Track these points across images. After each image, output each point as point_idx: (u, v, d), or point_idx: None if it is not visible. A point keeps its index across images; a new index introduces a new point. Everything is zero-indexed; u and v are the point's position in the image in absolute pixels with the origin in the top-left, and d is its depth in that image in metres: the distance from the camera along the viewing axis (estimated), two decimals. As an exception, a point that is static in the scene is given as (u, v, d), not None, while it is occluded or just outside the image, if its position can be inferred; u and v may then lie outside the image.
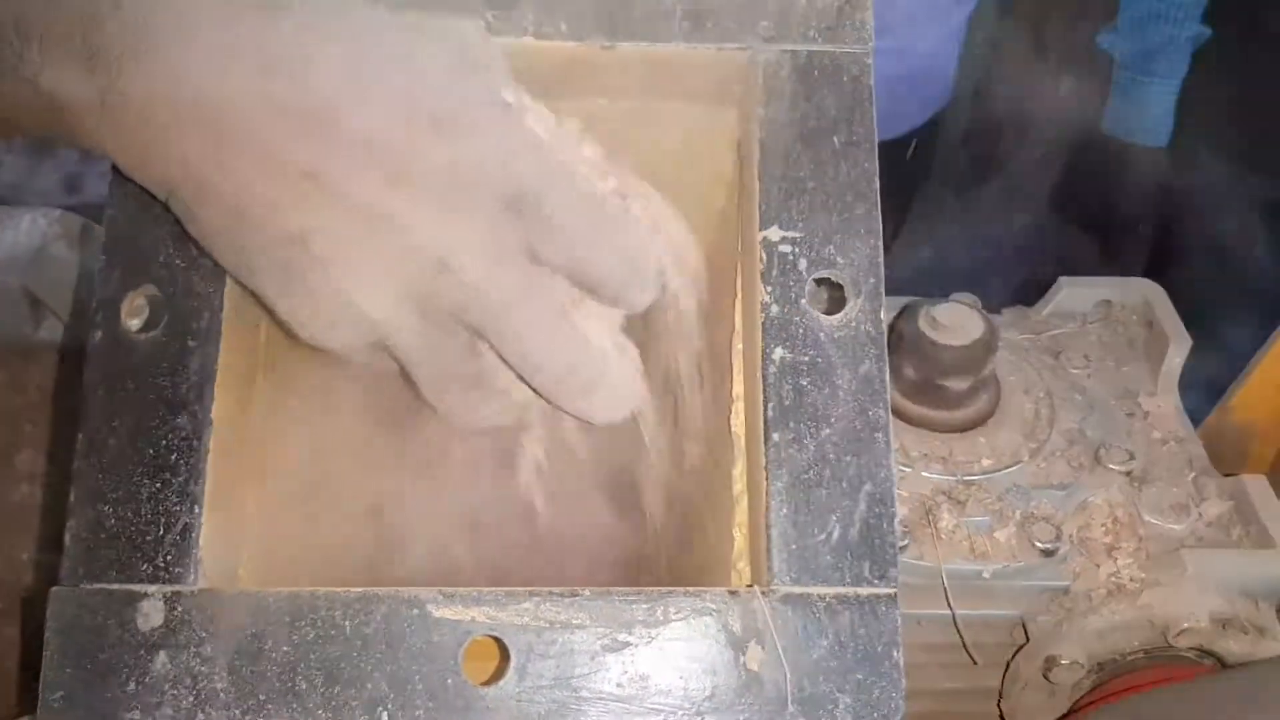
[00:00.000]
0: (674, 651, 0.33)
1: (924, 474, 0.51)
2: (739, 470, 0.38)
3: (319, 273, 0.32)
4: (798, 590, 0.33)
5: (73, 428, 0.34)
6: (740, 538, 0.38)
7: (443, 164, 0.32)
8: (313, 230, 0.31)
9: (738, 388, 0.39)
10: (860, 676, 0.33)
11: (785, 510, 0.34)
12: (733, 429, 0.39)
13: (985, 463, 0.52)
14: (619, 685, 0.32)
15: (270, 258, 0.32)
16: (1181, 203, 1.08)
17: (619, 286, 0.35)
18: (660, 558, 0.41)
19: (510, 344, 0.34)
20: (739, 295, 0.39)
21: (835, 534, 0.34)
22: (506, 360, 0.34)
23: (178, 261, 0.35)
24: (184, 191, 0.32)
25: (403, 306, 0.33)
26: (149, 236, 0.35)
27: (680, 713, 0.32)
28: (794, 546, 0.34)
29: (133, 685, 0.32)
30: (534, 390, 0.35)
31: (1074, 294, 0.65)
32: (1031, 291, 0.67)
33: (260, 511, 0.37)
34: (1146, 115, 1.08)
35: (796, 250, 0.36)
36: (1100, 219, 1.12)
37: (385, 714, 0.32)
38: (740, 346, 0.39)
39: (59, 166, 0.58)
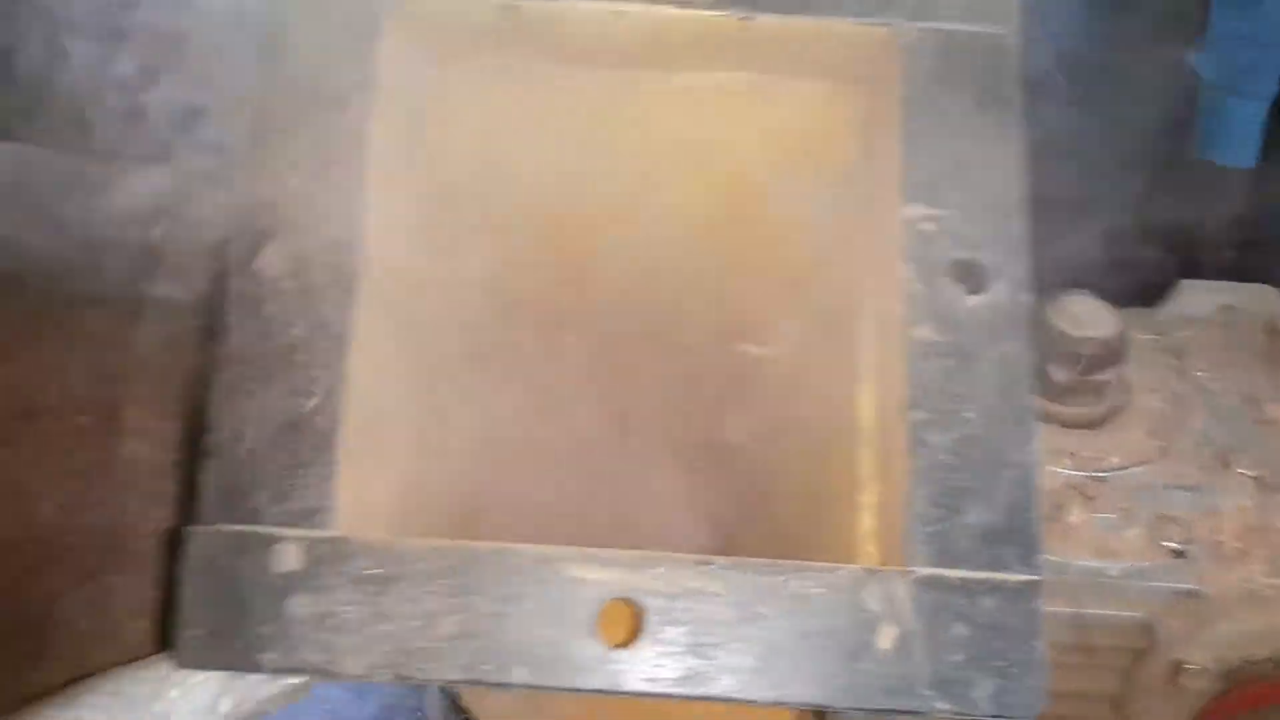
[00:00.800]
0: (808, 626, 0.32)
1: (1051, 468, 0.50)
2: (869, 451, 0.38)
3: None
4: (936, 573, 0.33)
5: (189, 383, 0.34)
6: (869, 518, 0.37)
7: None
8: None
9: (867, 366, 0.38)
10: (1001, 664, 0.32)
11: (924, 491, 0.34)
12: (860, 410, 0.38)
13: (1113, 460, 0.50)
14: (752, 656, 0.32)
15: None
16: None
17: None
18: (760, 530, 0.41)
19: None
20: (871, 275, 0.38)
21: (976, 518, 0.33)
22: None
23: (315, 213, 0.35)
24: None
25: None
26: (286, 189, 0.36)
27: (812, 686, 0.32)
28: (932, 529, 0.33)
29: (269, 627, 0.32)
30: None
31: (1194, 297, 0.63)
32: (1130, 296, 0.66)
33: (392, 460, 0.37)
34: (1234, 135, 1.05)
35: (938, 229, 0.35)
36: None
37: (517, 671, 0.32)
38: (873, 324, 0.38)
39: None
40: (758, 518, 0.41)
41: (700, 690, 0.32)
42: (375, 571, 0.32)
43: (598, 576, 0.32)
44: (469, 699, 0.40)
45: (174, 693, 0.34)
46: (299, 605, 0.32)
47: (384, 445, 0.36)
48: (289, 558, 0.33)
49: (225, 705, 0.35)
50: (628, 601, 0.33)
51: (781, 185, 0.41)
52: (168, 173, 0.51)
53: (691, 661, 0.32)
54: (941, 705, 0.32)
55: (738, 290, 0.42)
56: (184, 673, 0.34)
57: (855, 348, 0.38)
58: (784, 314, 0.41)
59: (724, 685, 0.32)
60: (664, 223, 0.41)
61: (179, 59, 0.58)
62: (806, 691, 0.32)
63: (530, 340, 0.40)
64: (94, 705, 0.34)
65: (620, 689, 0.32)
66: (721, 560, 0.33)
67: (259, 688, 0.36)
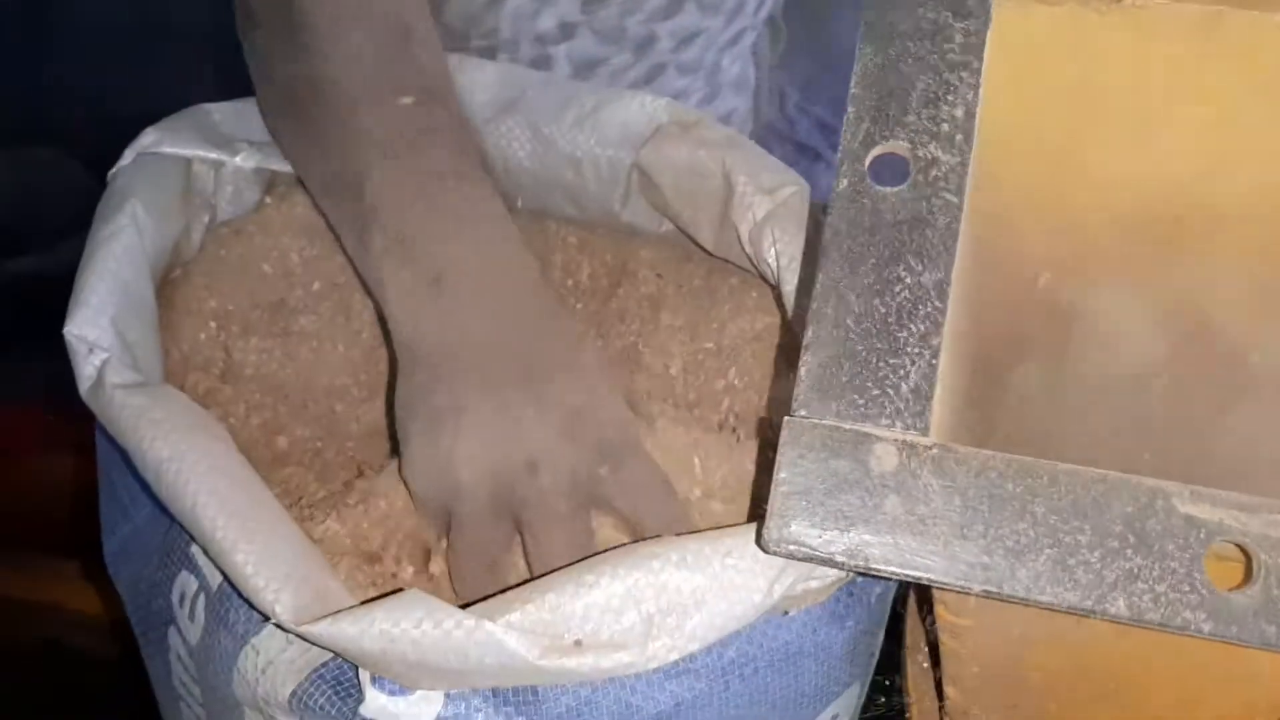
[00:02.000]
0: None
1: None
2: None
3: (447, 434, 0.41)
4: None
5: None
6: None
7: (576, 405, 0.41)
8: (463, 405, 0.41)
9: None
10: None
11: None
12: None
13: None
14: None
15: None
16: None
17: None
18: None
19: (537, 550, 0.41)
20: None
21: None
22: (528, 559, 0.42)
23: (926, 120, 0.36)
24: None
25: (482, 482, 0.41)
26: (898, 94, 0.36)
27: None
28: None
29: (861, 522, 0.32)
30: None
31: None
32: None
33: (992, 373, 0.37)
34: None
35: None
36: None
37: (1121, 601, 0.31)
38: None
39: (557, 14, 0.60)
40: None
41: None
42: (971, 481, 0.32)
43: (1209, 515, 0.32)
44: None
45: (741, 564, 0.36)
46: (893, 505, 0.32)
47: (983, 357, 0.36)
48: (886, 458, 0.33)
49: (778, 590, 0.36)
50: (1240, 546, 0.31)
51: None
52: (649, 102, 0.53)
53: None
54: None
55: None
56: (750, 548, 0.36)
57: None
58: None
59: None
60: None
61: (594, 17, 0.61)
62: None
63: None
64: (663, 560, 0.35)
65: (1218, 634, 0.31)
66: None
67: (800, 584, 0.37)
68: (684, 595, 0.36)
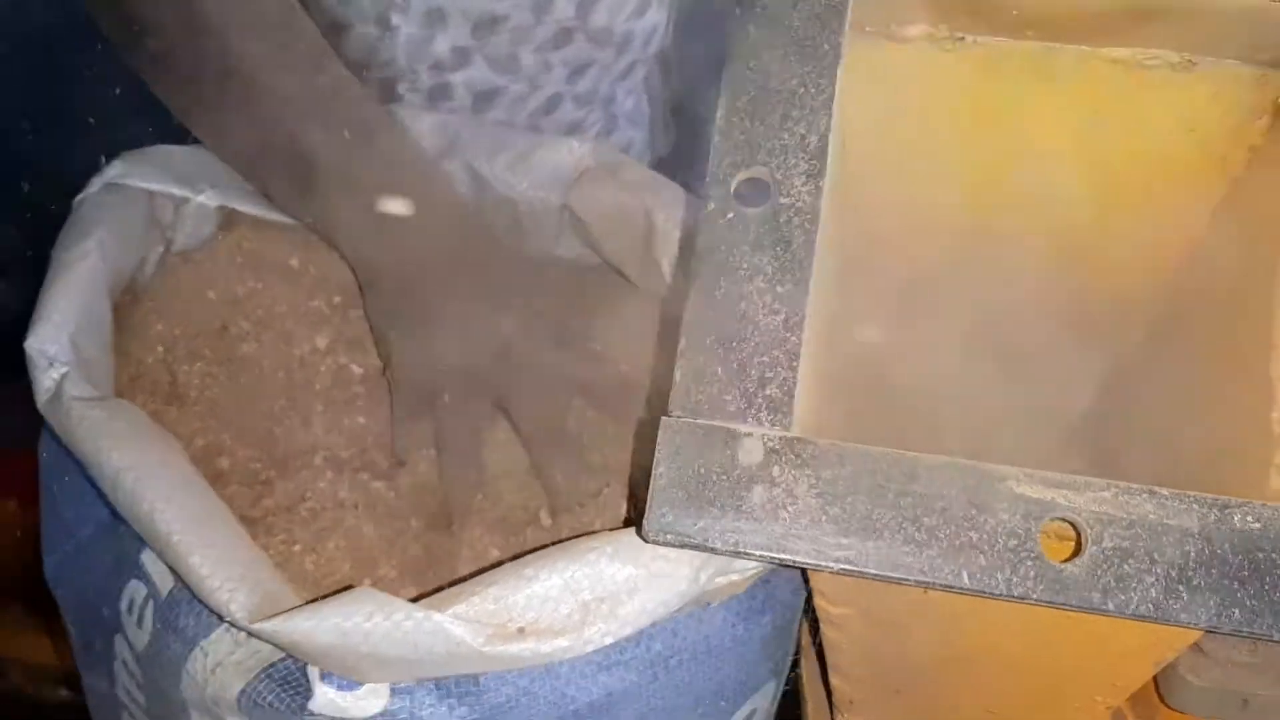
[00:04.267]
0: (1253, 558, 0.35)
1: None
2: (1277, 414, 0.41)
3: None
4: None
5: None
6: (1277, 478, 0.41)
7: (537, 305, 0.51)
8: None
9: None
10: None
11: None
12: (1272, 373, 0.42)
13: None
14: (1184, 582, 0.34)
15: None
16: None
17: None
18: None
19: (522, 418, 0.50)
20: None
21: None
22: (518, 428, 0.50)
23: (784, 147, 0.39)
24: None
25: (461, 365, 0.49)
26: (760, 123, 0.39)
27: (1252, 614, 0.35)
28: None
29: (731, 510, 0.35)
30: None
31: None
32: None
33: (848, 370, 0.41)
34: None
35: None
36: None
37: (965, 574, 0.35)
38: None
39: (449, 39, 0.63)
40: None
41: (1126, 609, 0.35)
42: (828, 471, 0.36)
43: (1041, 495, 0.35)
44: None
45: (669, 555, 0.39)
46: (759, 495, 0.36)
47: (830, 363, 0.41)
48: (753, 452, 0.36)
49: (702, 578, 0.40)
50: (1068, 521, 0.35)
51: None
52: (577, 145, 0.57)
53: (1120, 581, 0.35)
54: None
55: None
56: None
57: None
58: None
59: (1155, 608, 0.35)
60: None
61: (486, 44, 0.64)
62: (1238, 620, 0.35)
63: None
64: (598, 553, 0.39)
65: (1051, 601, 0.35)
66: (1165, 490, 0.36)
67: (721, 576, 0.41)
68: (617, 584, 0.39)
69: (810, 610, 0.50)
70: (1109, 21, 0.43)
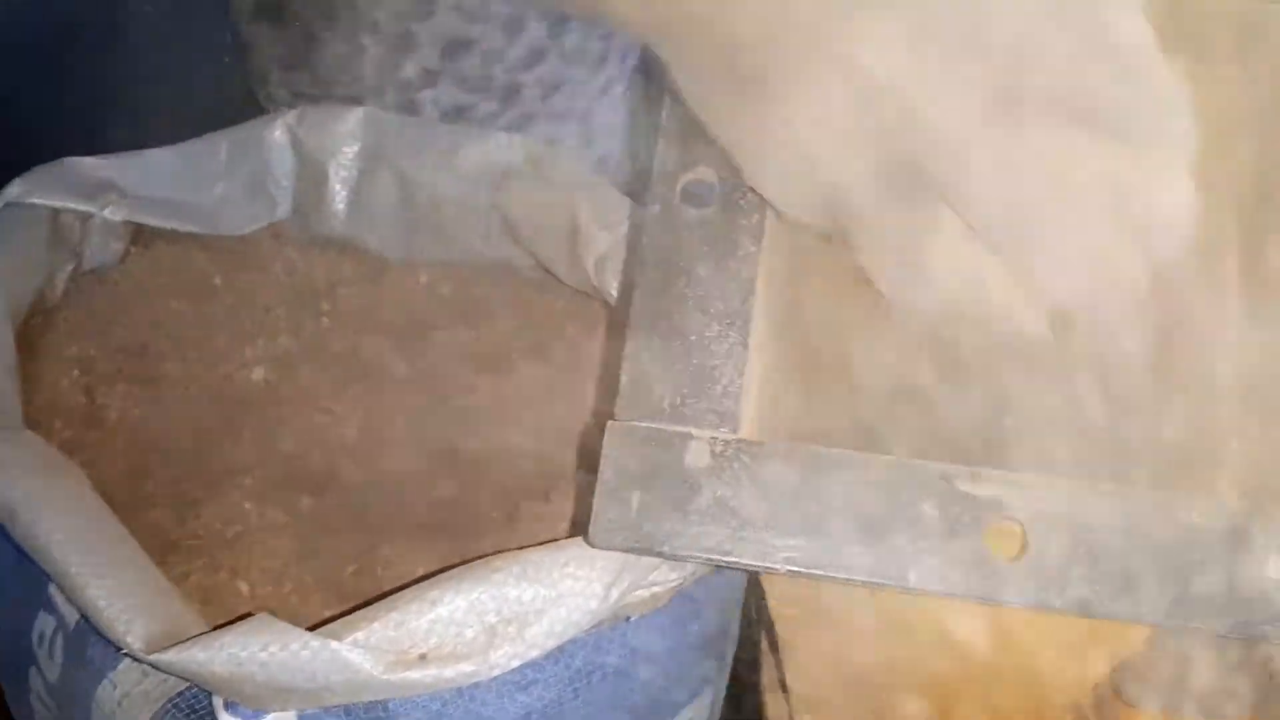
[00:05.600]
0: (1194, 554, 0.34)
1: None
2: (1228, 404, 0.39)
3: (783, 128, 0.33)
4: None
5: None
6: (1229, 469, 0.39)
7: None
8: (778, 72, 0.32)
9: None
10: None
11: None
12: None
13: None
14: (1127, 578, 0.34)
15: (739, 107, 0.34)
16: None
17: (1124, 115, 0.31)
18: None
19: (967, 199, 0.33)
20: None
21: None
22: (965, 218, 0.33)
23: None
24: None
25: (860, 161, 0.33)
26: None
27: (1193, 610, 0.34)
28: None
29: (678, 514, 0.35)
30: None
31: None
32: None
33: (787, 375, 0.40)
34: None
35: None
36: None
37: (911, 573, 0.34)
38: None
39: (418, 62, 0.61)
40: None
41: (1073, 606, 0.34)
42: (776, 472, 0.35)
43: (987, 494, 0.35)
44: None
45: (579, 573, 0.38)
46: (706, 498, 0.35)
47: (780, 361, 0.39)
48: (700, 455, 0.35)
49: (614, 594, 0.38)
50: (1014, 519, 0.35)
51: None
52: (505, 141, 0.55)
53: (1066, 578, 0.34)
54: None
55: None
56: (587, 557, 0.38)
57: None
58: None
59: (1101, 603, 0.34)
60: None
61: (457, 66, 0.63)
62: (1184, 616, 0.34)
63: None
64: (505, 573, 0.37)
65: (997, 599, 0.34)
66: (1110, 486, 0.35)
67: (636, 590, 0.39)
68: (524, 605, 0.37)
69: (763, 612, 0.49)
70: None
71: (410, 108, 0.63)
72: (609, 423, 0.36)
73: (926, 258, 0.35)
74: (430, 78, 0.62)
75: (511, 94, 0.65)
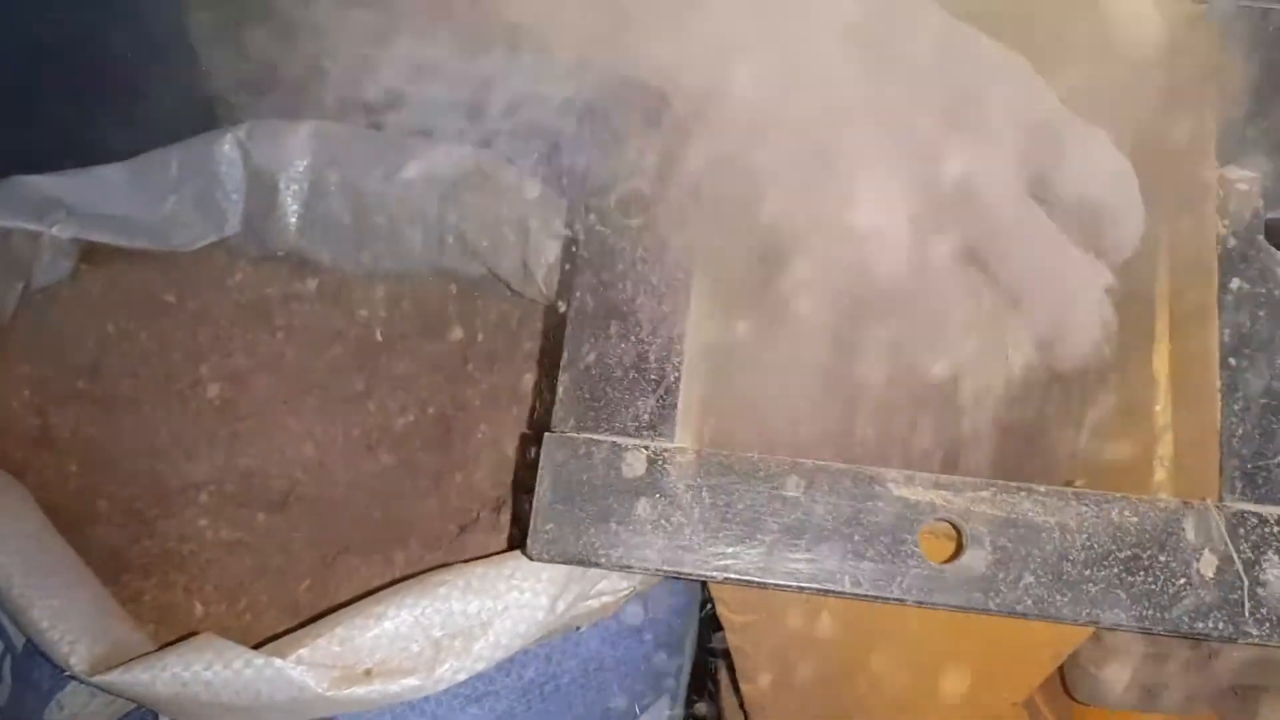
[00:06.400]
0: (1126, 553, 0.34)
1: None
2: (1160, 406, 0.40)
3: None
4: (1253, 508, 0.34)
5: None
6: (1162, 470, 0.39)
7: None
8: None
9: (1161, 326, 0.40)
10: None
11: (1240, 432, 0.35)
12: (1154, 367, 0.40)
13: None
14: (1064, 579, 0.34)
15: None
16: None
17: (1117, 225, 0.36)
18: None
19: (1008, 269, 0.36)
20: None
21: (1294, 458, 0.35)
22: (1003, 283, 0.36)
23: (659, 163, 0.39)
24: None
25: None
26: (634, 143, 0.39)
27: (1124, 611, 0.34)
28: (1250, 466, 0.35)
29: (616, 524, 0.35)
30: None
31: None
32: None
33: (725, 382, 0.40)
34: None
35: (1253, 189, 0.37)
36: None
37: (847, 578, 0.34)
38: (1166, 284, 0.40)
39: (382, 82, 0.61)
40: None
41: (1008, 607, 0.34)
42: (711, 480, 0.35)
43: (921, 497, 0.35)
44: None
45: (525, 585, 0.38)
46: (643, 507, 0.35)
47: (713, 369, 0.39)
48: (636, 465, 0.36)
49: (561, 606, 0.38)
50: (948, 522, 0.35)
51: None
52: (454, 152, 0.55)
53: (1002, 580, 0.34)
54: (1258, 632, 0.33)
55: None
56: (533, 569, 0.38)
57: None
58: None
59: (1036, 604, 0.34)
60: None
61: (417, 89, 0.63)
62: (1119, 615, 0.34)
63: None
64: (450, 587, 0.37)
65: (933, 602, 0.34)
66: (1043, 487, 0.35)
67: (584, 601, 0.39)
68: (470, 618, 0.37)
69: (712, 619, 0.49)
70: None
71: (375, 130, 0.63)
72: (545, 434, 0.36)
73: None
74: (394, 98, 0.62)
75: (475, 115, 0.65)
